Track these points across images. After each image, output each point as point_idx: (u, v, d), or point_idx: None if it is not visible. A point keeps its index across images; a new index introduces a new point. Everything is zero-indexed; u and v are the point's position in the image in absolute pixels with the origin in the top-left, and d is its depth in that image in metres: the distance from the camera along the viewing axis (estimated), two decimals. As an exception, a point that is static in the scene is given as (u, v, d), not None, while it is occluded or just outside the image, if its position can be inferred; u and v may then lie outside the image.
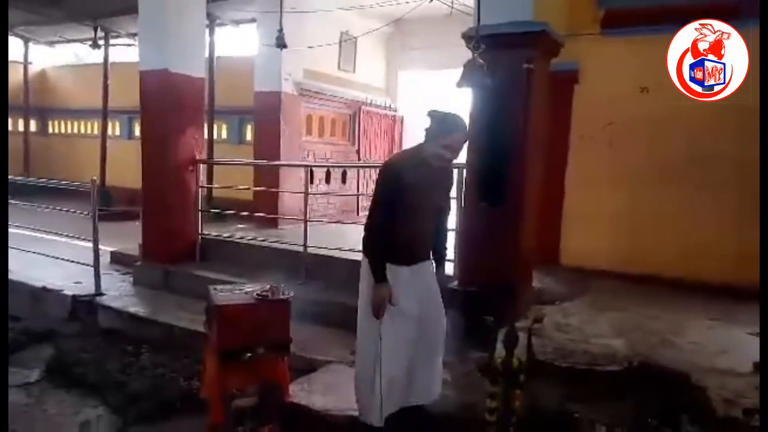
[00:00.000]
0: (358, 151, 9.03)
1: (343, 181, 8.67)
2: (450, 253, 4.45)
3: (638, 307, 4.50)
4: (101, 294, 5.37)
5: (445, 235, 3.23)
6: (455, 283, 4.35)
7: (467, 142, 4.19)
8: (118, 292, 5.56)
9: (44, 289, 5.50)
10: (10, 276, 5.77)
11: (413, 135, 10.39)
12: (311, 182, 7.63)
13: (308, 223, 5.48)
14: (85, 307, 5.23)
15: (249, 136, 9.57)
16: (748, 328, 3.91)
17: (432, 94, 10.20)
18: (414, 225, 2.84)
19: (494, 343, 2.51)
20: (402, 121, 10.12)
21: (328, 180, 8.26)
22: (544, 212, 5.23)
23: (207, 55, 7.61)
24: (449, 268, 4.40)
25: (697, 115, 4.64)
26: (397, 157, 3.17)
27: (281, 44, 5.99)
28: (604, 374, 3.39)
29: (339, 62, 8.74)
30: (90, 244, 5.46)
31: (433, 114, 2.80)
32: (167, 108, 5.81)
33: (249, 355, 3.11)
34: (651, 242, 5.29)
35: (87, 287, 5.45)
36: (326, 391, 3.43)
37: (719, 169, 4.98)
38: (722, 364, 3.40)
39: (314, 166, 7.69)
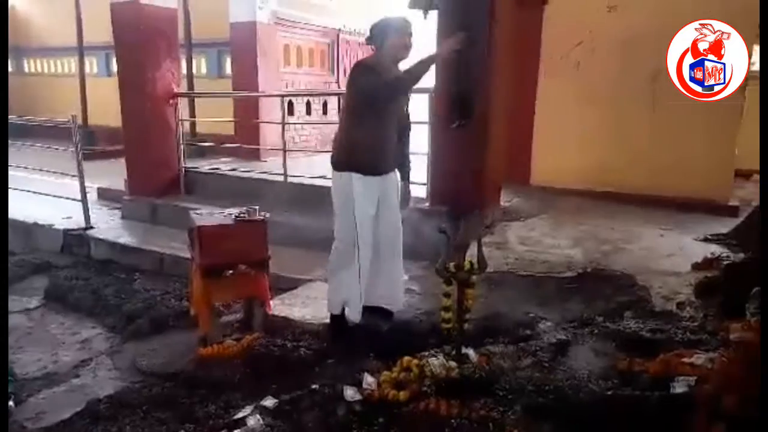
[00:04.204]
0: (337, 81, 9.03)
1: (324, 112, 8.73)
2: (423, 177, 4.72)
3: (597, 221, 4.79)
4: (91, 227, 5.58)
5: (409, 152, 3.34)
6: (427, 204, 4.60)
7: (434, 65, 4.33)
8: (108, 225, 5.77)
9: (35, 224, 5.71)
10: None
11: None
12: (291, 114, 7.71)
13: (290, 154, 5.63)
14: (76, 240, 5.46)
15: (228, 70, 9.49)
16: (695, 235, 4.22)
17: (412, 19, 10.03)
18: (384, 131, 2.99)
19: (450, 249, 2.75)
20: (382, 50, 10.01)
21: (309, 111, 8.33)
22: (516, 133, 5.43)
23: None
24: (422, 192, 4.65)
25: (665, 32, 4.75)
26: (370, 60, 3.11)
27: (252, -30, 5.91)
28: (559, 280, 3.71)
29: (314, -12, 8.60)
30: (75, 181, 5.62)
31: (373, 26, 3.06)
32: (141, 41, 5.82)
33: (230, 272, 3.38)
34: (614, 161, 5.51)
35: (77, 221, 5.65)
36: (304, 304, 3.73)
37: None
38: (666, 266, 3.73)
39: (290, 95, 7.71)
